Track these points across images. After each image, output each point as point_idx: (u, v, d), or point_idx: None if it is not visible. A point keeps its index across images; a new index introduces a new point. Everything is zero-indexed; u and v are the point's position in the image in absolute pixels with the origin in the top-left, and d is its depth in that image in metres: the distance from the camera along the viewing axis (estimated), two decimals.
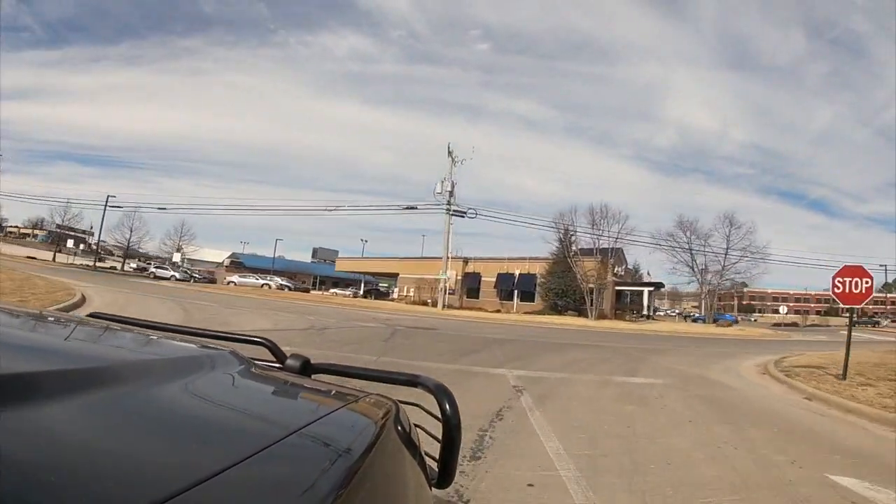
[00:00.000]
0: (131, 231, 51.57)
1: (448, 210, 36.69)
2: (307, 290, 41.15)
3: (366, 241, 70.42)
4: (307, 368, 0.83)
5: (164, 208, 49.54)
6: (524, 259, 40.24)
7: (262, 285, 37.22)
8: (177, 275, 38.76)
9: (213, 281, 39.49)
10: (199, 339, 0.92)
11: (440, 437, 0.69)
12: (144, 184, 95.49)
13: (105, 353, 0.71)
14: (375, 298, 44.07)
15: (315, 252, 72.55)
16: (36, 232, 66.22)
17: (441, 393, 0.69)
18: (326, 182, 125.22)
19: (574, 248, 37.10)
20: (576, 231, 37.68)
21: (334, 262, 60.04)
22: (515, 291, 38.54)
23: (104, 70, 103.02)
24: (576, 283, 35.29)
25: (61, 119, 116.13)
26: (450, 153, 36.80)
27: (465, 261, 39.36)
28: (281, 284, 40.38)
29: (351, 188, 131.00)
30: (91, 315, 0.99)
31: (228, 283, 36.93)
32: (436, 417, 0.70)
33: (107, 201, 48.71)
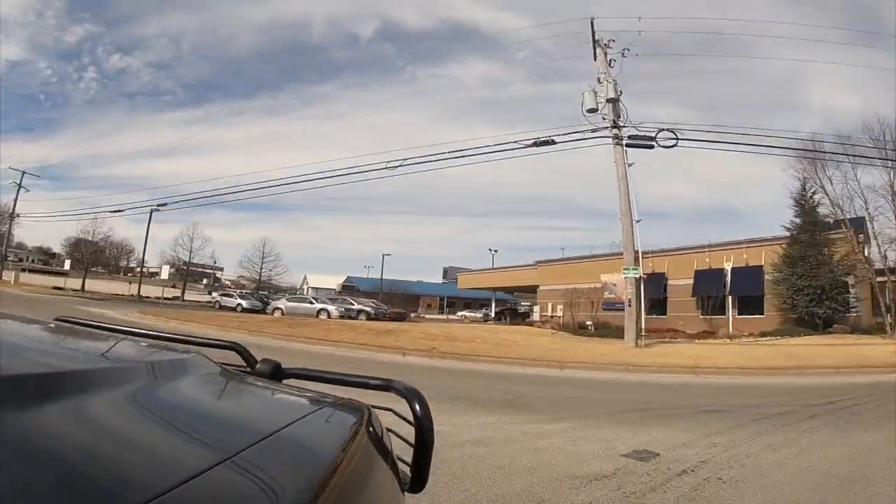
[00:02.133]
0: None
1: (615, 135, 16.09)
2: (402, 317, 28.38)
3: (495, 252, 54.04)
4: (278, 373, 0.82)
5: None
6: (736, 245, 24.92)
7: (318, 312, 25.16)
8: (244, 303, 30.89)
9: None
10: (168, 342, 0.91)
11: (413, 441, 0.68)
12: (288, 222, 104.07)
13: (71, 357, 0.69)
14: (511, 322, 33.52)
15: (445, 272, 64.75)
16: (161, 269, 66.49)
17: (413, 397, 0.68)
18: (464, 209, 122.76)
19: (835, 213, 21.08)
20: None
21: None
22: (729, 299, 23.43)
23: (245, 122, 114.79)
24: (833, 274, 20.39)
25: (210, 170, 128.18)
26: (596, 41, 17.26)
27: (638, 255, 16.42)
28: (354, 311, 26.85)
29: (490, 211, 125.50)
30: (57, 319, 0.98)
31: (274, 310, 26.56)
32: (408, 422, 0.69)
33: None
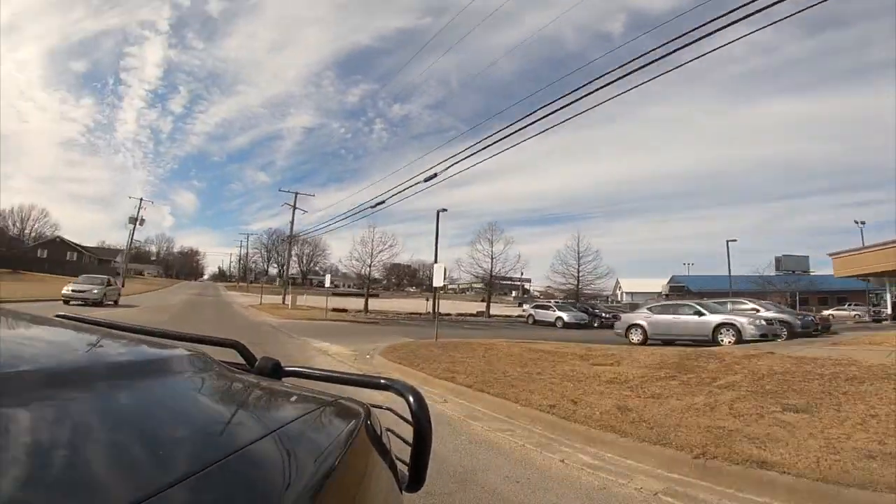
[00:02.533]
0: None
1: None
2: (826, 327, 17.47)
3: (863, 224, 40.68)
4: (278, 371, 0.82)
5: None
6: None
7: (718, 330, 13.24)
8: (564, 316, 24.61)
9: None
10: (168, 341, 0.90)
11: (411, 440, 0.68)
12: (585, 231, 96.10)
13: (72, 354, 0.68)
14: None
15: (779, 262, 49.99)
16: (473, 285, 64.86)
17: (412, 396, 0.68)
18: (766, 192, 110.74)
19: None
20: None
21: (806, 272, 45.16)
22: None
23: (527, 142, 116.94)
24: None
25: (500, 191, 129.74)
26: None
27: None
28: (775, 324, 13.73)
29: (794, 192, 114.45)
30: (59, 316, 0.97)
31: (630, 329, 15.16)
32: (407, 421, 0.69)
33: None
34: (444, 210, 30.21)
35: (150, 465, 0.37)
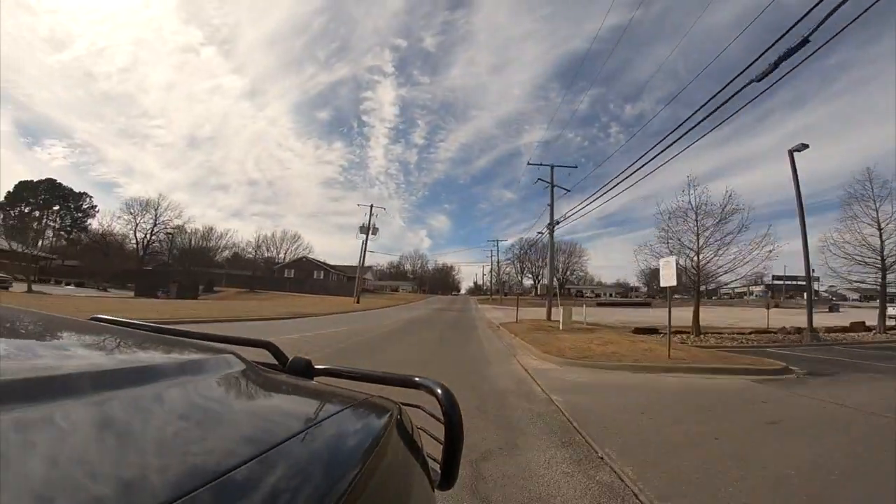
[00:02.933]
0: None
1: None
2: None
3: None
4: (309, 371, 0.83)
5: None
6: None
7: None
8: None
9: None
10: (202, 342, 0.91)
11: (442, 438, 0.68)
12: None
13: (109, 355, 0.70)
14: None
15: None
16: (751, 289, 61.54)
17: (443, 395, 0.68)
18: None
19: None
20: None
21: None
22: None
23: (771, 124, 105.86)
24: None
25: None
26: None
27: None
28: None
29: None
30: (93, 319, 1.00)
31: None
32: (437, 419, 0.68)
33: None
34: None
35: (187, 463, 0.38)
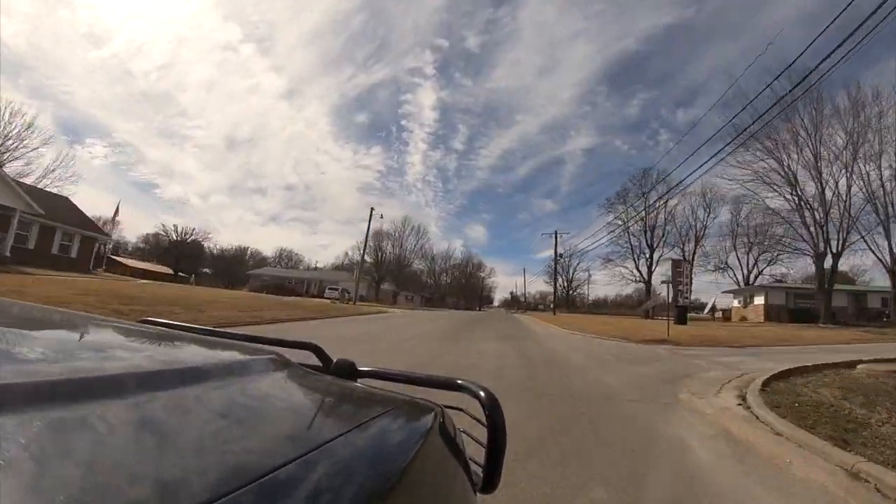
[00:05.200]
0: None
1: None
2: None
3: None
4: (353, 373, 0.84)
5: None
6: None
7: None
8: None
9: None
10: (247, 344, 0.94)
11: (485, 442, 0.68)
12: None
13: (157, 357, 0.72)
14: None
15: None
16: None
17: (486, 398, 0.68)
18: None
19: None
20: None
21: None
22: None
23: None
24: None
25: None
26: None
27: None
28: None
29: None
30: (141, 321, 1.07)
31: None
32: (481, 423, 0.69)
33: None
34: None
35: (233, 462, 0.39)
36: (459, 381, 0.75)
